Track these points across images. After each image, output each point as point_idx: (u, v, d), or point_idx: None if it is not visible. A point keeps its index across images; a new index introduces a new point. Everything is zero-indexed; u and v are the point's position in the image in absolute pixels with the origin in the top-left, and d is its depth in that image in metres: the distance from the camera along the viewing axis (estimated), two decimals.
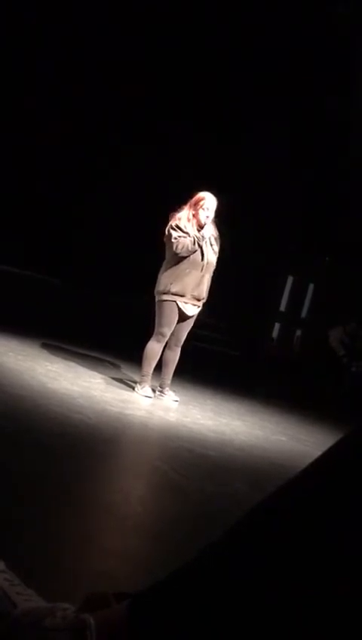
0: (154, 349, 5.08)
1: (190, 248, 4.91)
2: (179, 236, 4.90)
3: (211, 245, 5.07)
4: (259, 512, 0.88)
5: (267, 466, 3.88)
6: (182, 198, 5.14)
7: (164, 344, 5.10)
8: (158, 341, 5.08)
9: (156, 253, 5.25)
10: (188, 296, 5.00)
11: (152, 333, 5.11)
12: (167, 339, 5.09)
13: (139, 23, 14.17)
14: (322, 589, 0.77)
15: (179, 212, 5.03)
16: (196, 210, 4.99)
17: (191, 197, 5.06)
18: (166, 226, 5.01)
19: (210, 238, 5.05)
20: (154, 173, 14.97)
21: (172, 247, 4.92)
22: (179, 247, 4.88)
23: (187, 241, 4.89)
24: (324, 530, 0.79)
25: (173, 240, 4.89)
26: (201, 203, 4.99)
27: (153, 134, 15.05)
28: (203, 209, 4.98)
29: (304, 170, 15.43)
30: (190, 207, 5.02)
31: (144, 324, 5.49)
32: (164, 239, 5.03)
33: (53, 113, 15.29)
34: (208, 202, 5.00)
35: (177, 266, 4.98)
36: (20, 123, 15.07)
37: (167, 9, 13.56)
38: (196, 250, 4.95)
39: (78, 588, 1.53)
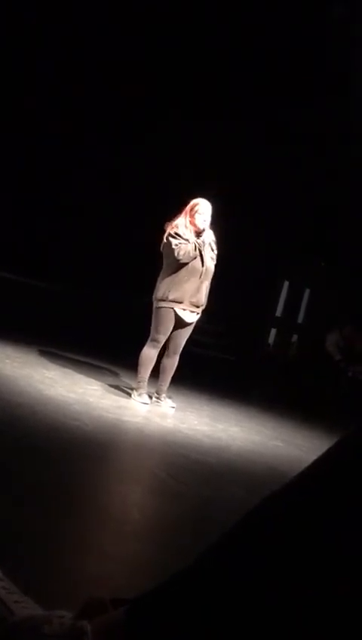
0: (149, 354, 5.09)
1: (191, 254, 4.92)
2: (180, 243, 4.90)
3: (212, 250, 5.08)
4: (257, 514, 0.88)
5: (264, 471, 3.89)
6: (181, 200, 5.16)
7: (158, 350, 5.10)
8: (153, 347, 5.08)
9: (154, 254, 5.25)
10: (187, 302, 5.00)
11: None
12: (161, 345, 5.09)
13: (139, 23, 14.19)
14: (322, 589, 0.78)
15: (174, 220, 5.04)
16: (192, 215, 5.01)
17: (185, 205, 5.09)
18: (162, 235, 5.02)
19: (210, 243, 5.06)
20: (153, 175, 15.00)
21: (170, 255, 4.92)
22: (181, 253, 4.89)
23: (188, 247, 4.90)
24: (323, 530, 0.80)
25: (173, 247, 4.89)
26: (196, 208, 5.01)
27: (152, 135, 15.08)
28: (199, 214, 4.99)
29: (301, 177, 15.48)
30: (185, 214, 5.03)
31: (141, 328, 5.48)
32: (161, 248, 5.03)
33: (53, 113, 15.30)
34: (202, 207, 5.02)
35: (176, 274, 4.98)
36: (20, 124, 15.07)
37: (167, 9, 13.59)
38: (196, 256, 4.96)
39: (76, 592, 1.54)
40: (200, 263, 4.99)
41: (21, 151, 15.10)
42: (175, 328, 5.05)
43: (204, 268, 5.02)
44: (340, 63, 13.51)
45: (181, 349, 5.18)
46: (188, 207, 5.05)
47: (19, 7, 13.45)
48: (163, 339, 5.05)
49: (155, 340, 5.06)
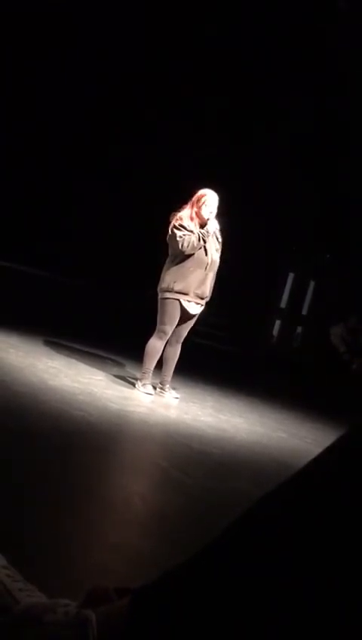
0: (155, 346, 5.09)
1: (195, 245, 4.91)
2: (184, 234, 4.90)
3: (216, 238, 5.07)
4: (259, 508, 0.89)
5: (267, 462, 3.89)
6: (185, 196, 5.14)
7: (165, 342, 5.11)
8: (160, 338, 5.08)
9: (158, 249, 5.25)
10: (192, 294, 5.00)
11: (154, 330, 5.12)
12: (168, 336, 5.09)
13: (140, 17, 14.13)
14: (323, 587, 0.78)
15: (180, 212, 5.03)
16: (198, 207, 4.99)
17: (192, 195, 5.07)
18: (167, 226, 5.01)
19: (214, 233, 5.05)
20: (156, 172, 14.99)
21: (175, 246, 4.92)
22: (185, 244, 4.88)
23: (192, 238, 4.89)
24: (322, 527, 0.80)
25: (178, 238, 4.88)
26: (203, 200, 4.99)
27: (155, 133, 15.04)
28: (205, 205, 4.98)
29: (306, 169, 15.43)
30: (192, 205, 5.02)
31: (145, 320, 5.49)
32: (167, 239, 5.02)
33: (55, 111, 15.27)
34: (210, 199, 5.00)
35: (181, 264, 4.98)
36: (22, 123, 15.05)
37: (168, 5, 13.54)
38: (201, 247, 4.95)
39: (79, 581, 1.55)
40: (204, 254, 4.99)
41: (25, 151, 15.09)
42: (179, 320, 5.06)
43: (209, 259, 5.01)
44: (341, 62, 13.43)
45: (183, 338, 5.20)
46: (194, 199, 5.03)
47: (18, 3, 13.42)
48: (170, 330, 5.05)
49: (162, 332, 5.06)
